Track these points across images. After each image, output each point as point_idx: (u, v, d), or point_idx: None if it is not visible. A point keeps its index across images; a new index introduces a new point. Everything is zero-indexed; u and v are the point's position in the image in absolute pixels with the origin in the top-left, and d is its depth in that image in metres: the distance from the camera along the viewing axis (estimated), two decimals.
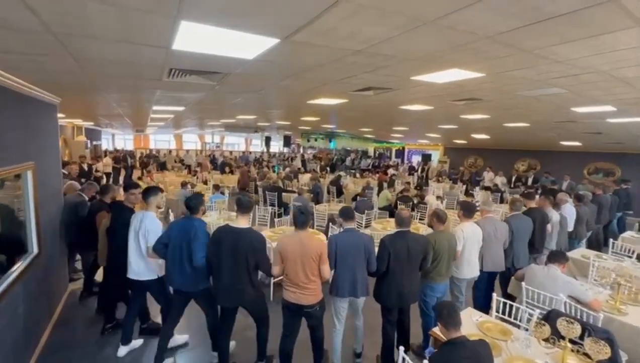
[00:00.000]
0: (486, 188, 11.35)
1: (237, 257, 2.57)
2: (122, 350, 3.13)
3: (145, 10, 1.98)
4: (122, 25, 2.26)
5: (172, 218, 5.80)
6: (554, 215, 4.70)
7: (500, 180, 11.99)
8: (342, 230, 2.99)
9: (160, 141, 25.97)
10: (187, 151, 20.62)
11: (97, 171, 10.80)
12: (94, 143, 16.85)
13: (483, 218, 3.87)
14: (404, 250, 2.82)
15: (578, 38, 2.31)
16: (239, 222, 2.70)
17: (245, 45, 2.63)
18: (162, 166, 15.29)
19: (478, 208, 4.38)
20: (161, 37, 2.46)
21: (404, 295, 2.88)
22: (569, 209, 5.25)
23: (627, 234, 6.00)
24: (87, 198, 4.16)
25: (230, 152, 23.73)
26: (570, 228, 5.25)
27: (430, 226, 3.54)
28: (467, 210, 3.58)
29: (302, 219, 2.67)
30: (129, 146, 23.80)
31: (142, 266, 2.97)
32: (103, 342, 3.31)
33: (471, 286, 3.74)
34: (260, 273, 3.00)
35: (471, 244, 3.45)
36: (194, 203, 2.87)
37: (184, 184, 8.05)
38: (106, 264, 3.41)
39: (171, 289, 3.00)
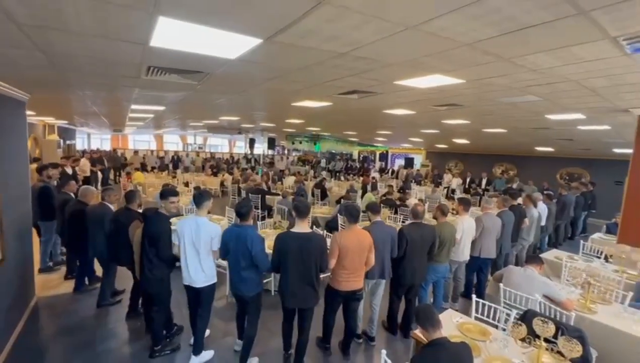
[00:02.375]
0: (450, 189, 12.30)
1: (308, 260, 2.72)
2: (194, 361, 3.01)
3: (120, 3, 1.89)
4: (95, 19, 2.16)
5: None
6: (534, 212, 5.53)
7: (456, 181, 12.91)
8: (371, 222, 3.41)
9: (139, 141, 25.14)
10: (152, 151, 18.84)
11: (77, 173, 9.96)
12: (68, 142, 16.04)
13: (484, 214, 4.51)
14: (418, 237, 3.43)
15: (551, 48, 2.41)
16: (301, 227, 2.80)
17: (227, 44, 2.58)
18: (141, 168, 14.75)
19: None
20: (138, 33, 2.37)
21: (415, 275, 3.49)
22: (542, 207, 5.99)
23: (596, 236, 6.32)
24: (112, 207, 3.85)
25: (197, 153, 22.52)
26: (543, 223, 6.03)
27: (434, 218, 4.19)
28: (467, 204, 4.31)
29: (355, 214, 3.00)
30: (106, 146, 22.83)
31: (201, 272, 2.89)
32: (69, 357, 3.11)
33: (462, 268, 4.42)
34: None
35: (467, 234, 4.14)
36: (245, 211, 2.81)
37: (165, 186, 7.80)
38: (143, 276, 3.09)
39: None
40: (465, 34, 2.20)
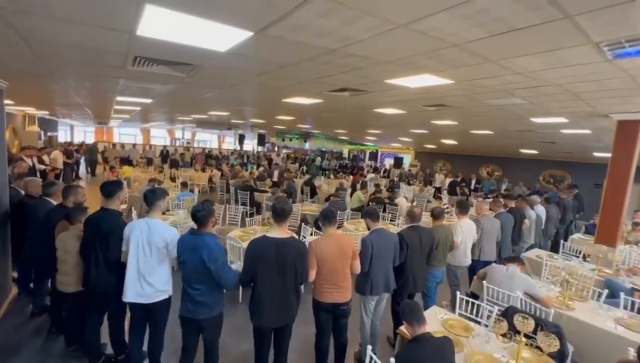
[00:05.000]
0: (438, 188, 12.68)
1: (285, 270, 2.34)
2: None
3: None
4: (79, 5, 2.08)
5: (134, 216, 5.44)
6: (532, 213, 5.55)
7: (448, 181, 13.26)
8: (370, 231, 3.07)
9: (125, 134, 24.48)
10: (134, 145, 17.34)
11: (42, 163, 8.73)
12: (49, 134, 15.46)
13: (481, 216, 4.45)
14: (418, 241, 3.23)
15: (537, 52, 2.47)
16: (279, 232, 2.40)
17: (217, 36, 2.53)
18: (125, 162, 14.38)
19: (447, 211, 4.80)
20: (124, 21, 2.30)
21: (417, 281, 3.30)
22: (541, 210, 6.05)
23: (575, 236, 6.55)
24: (55, 204, 3.29)
25: (188, 149, 21.69)
26: (543, 226, 6.09)
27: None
28: (463, 208, 4.15)
29: (330, 216, 2.69)
30: (90, 139, 22.10)
31: (149, 285, 2.46)
32: (45, 350, 2.99)
33: (465, 273, 4.25)
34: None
35: (468, 237, 4.00)
36: (201, 215, 2.33)
37: (151, 181, 7.68)
38: (89, 287, 2.66)
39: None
40: (454, 34, 2.23)
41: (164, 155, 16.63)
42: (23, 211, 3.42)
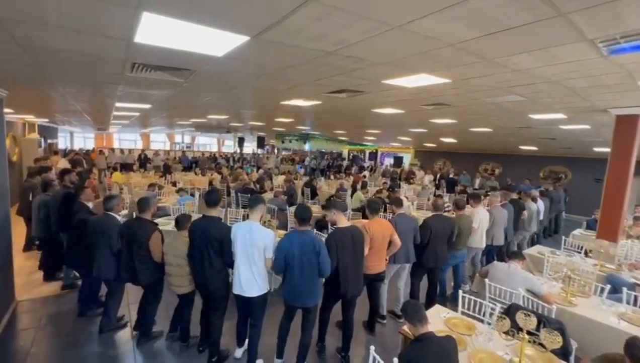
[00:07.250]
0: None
1: (357, 250, 3.03)
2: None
3: None
4: (76, 13, 2.09)
5: None
6: (533, 206, 6.34)
7: (427, 178, 13.83)
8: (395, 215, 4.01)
9: (125, 140, 24.55)
10: (122, 150, 17.22)
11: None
12: (49, 141, 15.47)
13: (492, 207, 5.17)
14: (440, 227, 3.97)
15: (532, 49, 2.48)
16: (344, 222, 3.10)
17: (213, 41, 2.55)
18: (125, 167, 14.41)
19: (447, 209, 5.57)
20: (121, 29, 2.31)
21: (437, 259, 4.04)
22: (540, 203, 6.83)
23: (577, 231, 6.55)
24: (119, 218, 3.36)
25: (168, 152, 21.31)
26: (541, 217, 6.87)
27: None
28: (475, 198, 4.87)
29: (376, 207, 3.50)
30: (90, 146, 22.14)
31: (253, 281, 2.80)
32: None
33: (480, 255, 5.01)
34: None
35: (483, 223, 4.69)
36: (308, 215, 2.82)
37: (151, 186, 7.72)
38: (201, 287, 3.04)
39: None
40: (449, 34, 2.24)
41: (142, 160, 15.52)
42: (85, 228, 3.36)
